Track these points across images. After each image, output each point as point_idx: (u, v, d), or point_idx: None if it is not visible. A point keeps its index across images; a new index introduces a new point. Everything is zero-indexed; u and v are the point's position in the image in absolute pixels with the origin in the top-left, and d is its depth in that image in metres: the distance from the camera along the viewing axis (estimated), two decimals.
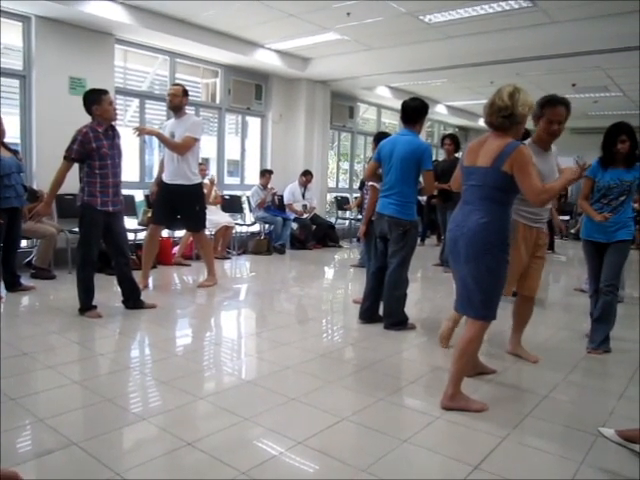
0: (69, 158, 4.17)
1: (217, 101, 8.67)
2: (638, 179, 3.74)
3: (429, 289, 6.37)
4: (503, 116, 2.67)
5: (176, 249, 7.08)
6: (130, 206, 6.72)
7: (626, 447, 2.36)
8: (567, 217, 12.12)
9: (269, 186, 8.61)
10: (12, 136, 5.32)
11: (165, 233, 6.79)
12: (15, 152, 5.12)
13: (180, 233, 7.27)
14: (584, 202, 3.89)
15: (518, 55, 7.19)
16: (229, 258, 7.73)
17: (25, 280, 5.33)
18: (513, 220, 3.32)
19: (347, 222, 10.81)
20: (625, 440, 2.36)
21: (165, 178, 5.31)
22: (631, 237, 3.80)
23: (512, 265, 3.41)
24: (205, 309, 5.12)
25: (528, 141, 3.37)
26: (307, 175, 9.11)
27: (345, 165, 11.75)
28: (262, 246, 8.29)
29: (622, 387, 3.21)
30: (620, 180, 3.73)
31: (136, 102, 7.61)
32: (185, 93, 5.28)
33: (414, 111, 4.22)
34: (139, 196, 7.44)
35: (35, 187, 5.94)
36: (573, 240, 11.18)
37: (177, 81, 7.38)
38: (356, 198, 9.62)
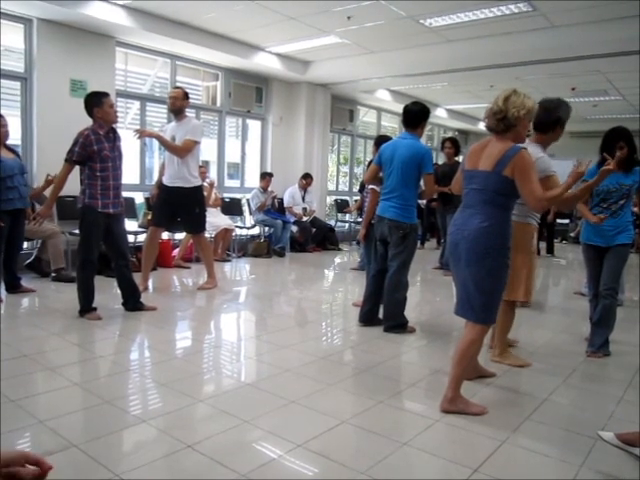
0: (70, 160, 4.18)
1: (217, 104, 8.69)
2: (637, 183, 3.75)
3: (429, 292, 6.37)
4: (497, 119, 2.69)
5: (176, 251, 7.08)
6: (130, 208, 6.74)
7: (625, 450, 2.36)
8: (567, 220, 12.13)
9: (269, 189, 8.62)
10: (13, 138, 5.32)
11: (165, 235, 6.79)
12: (16, 153, 5.13)
13: (180, 235, 7.28)
14: (582, 206, 3.89)
15: (518, 59, 7.21)
16: (229, 261, 7.74)
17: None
18: (527, 225, 3.32)
19: (347, 225, 10.81)
20: (624, 443, 2.36)
21: (165, 180, 5.32)
22: (630, 241, 3.80)
23: (532, 270, 3.42)
24: (205, 311, 5.13)
25: (530, 144, 3.36)
26: (307, 178, 9.13)
27: (345, 168, 11.76)
28: (262, 249, 8.29)
29: (622, 391, 3.21)
30: (619, 184, 3.73)
31: (137, 104, 7.62)
32: (186, 96, 5.29)
33: (416, 115, 4.24)
34: (139, 198, 7.45)
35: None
36: (573, 244, 11.20)
37: (178, 84, 7.40)
38: (356, 201, 9.63)
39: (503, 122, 2.69)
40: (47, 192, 4.85)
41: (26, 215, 5.11)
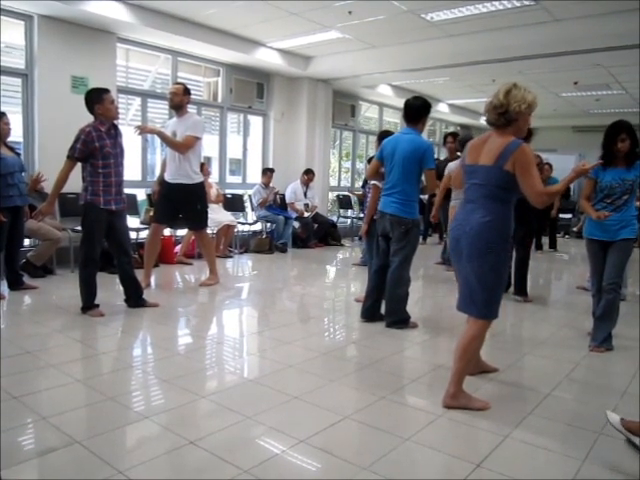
0: (72, 157, 4.17)
1: (219, 100, 8.67)
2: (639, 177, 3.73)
3: (431, 288, 6.36)
4: (498, 113, 2.67)
5: (178, 248, 7.09)
6: (132, 205, 6.73)
7: (627, 437, 2.37)
8: (569, 215, 12.11)
9: (271, 185, 8.61)
10: (15, 135, 5.33)
11: (167, 232, 6.80)
12: (15, 151, 5.12)
13: (182, 232, 7.28)
14: (585, 201, 3.88)
15: (520, 53, 7.18)
16: (231, 257, 7.73)
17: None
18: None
19: (349, 221, 10.81)
20: (628, 431, 2.36)
21: (167, 177, 5.32)
22: (634, 235, 3.78)
23: None
24: (207, 308, 5.13)
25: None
26: (309, 173, 9.10)
27: (347, 164, 11.73)
28: (264, 245, 8.29)
29: (624, 385, 3.20)
30: (622, 179, 3.72)
31: (138, 101, 7.61)
32: (186, 92, 5.27)
33: (417, 110, 4.22)
34: (141, 195, 7.45)
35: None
36: (575, 238, 11.17)
37: (179, 80, 7.38)
38: (358, 197, 9.63)
39: (504, 116, 2.67)
40: (48, 189, 4.85)
41: (25, 213, 5.12)
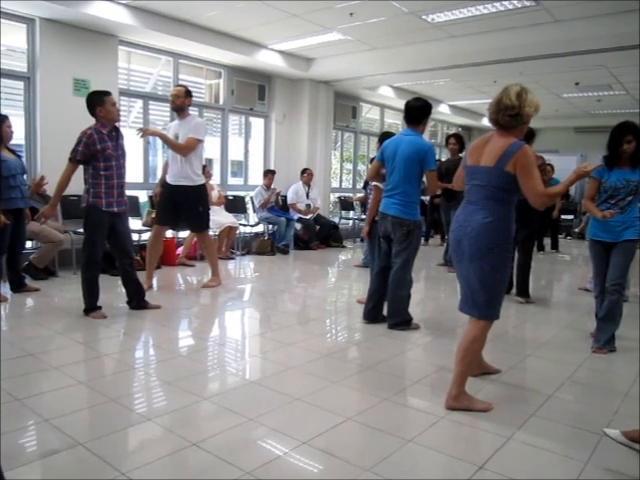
0: (74, 160, 4.19)
1: (220, 102, 8.68)
2: None
3: (433, 289, 6.36)
4: (510, 115, 2.66)
5: (180, 250, 7.09)
6: (134, 207, 6.74)
7: (631, 447, 2.35)
8: (571, 217, 12.10)
9: (272, 186, 8.62)
10: (17, 137, 5.33)
11: (169, 234, 6.80)
12: (16, 153, 5.13)
13: (184, 234, 7.29)
14: (589, 202, 3.88)
15: (521, 54, 7.18)
16: (233, 258, 7.74)
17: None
18: None
19: (351, 222, 10.81)
20: (631, 440, 2.35)
21: (169, 179, 5.33)
22: (638, 236, 3.78)
23: None
24: (209, 309, 5.13)
25: None
26: (306, 171, 9.08)
27: (348, 165, 11.73)
28: (266, 246, 8.30)
29: (627, 386, 3.20)
30: (627, 180, 3.71)
31: (140, 103, 7.62)
32: (188, 94, 5.28)
33: (417, 111, 4.22)
34: (143, 197, 7.46)
35: None
36: (577, 239, 11.17)
37: (180, 82, 7.40)
38: (359, 198, 9.63)
39: (516, 119, 2.66)
40: (50, 192, 4.85)
41: (26, 215, 5.13)
